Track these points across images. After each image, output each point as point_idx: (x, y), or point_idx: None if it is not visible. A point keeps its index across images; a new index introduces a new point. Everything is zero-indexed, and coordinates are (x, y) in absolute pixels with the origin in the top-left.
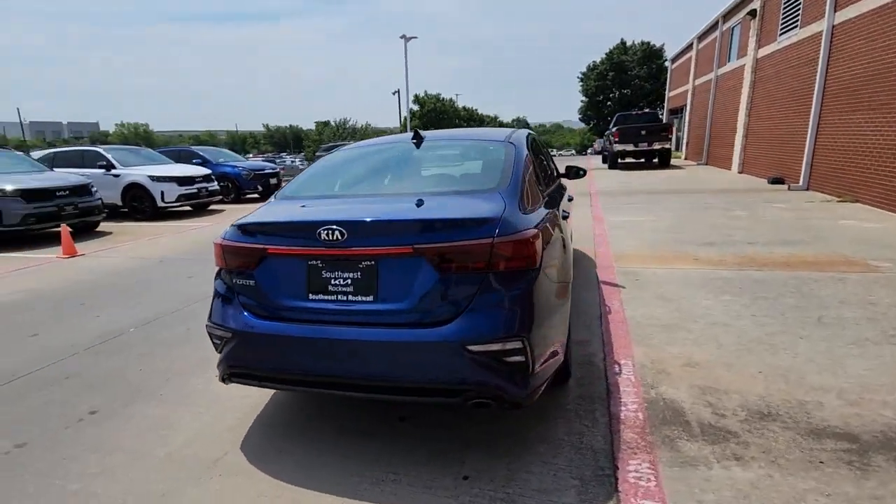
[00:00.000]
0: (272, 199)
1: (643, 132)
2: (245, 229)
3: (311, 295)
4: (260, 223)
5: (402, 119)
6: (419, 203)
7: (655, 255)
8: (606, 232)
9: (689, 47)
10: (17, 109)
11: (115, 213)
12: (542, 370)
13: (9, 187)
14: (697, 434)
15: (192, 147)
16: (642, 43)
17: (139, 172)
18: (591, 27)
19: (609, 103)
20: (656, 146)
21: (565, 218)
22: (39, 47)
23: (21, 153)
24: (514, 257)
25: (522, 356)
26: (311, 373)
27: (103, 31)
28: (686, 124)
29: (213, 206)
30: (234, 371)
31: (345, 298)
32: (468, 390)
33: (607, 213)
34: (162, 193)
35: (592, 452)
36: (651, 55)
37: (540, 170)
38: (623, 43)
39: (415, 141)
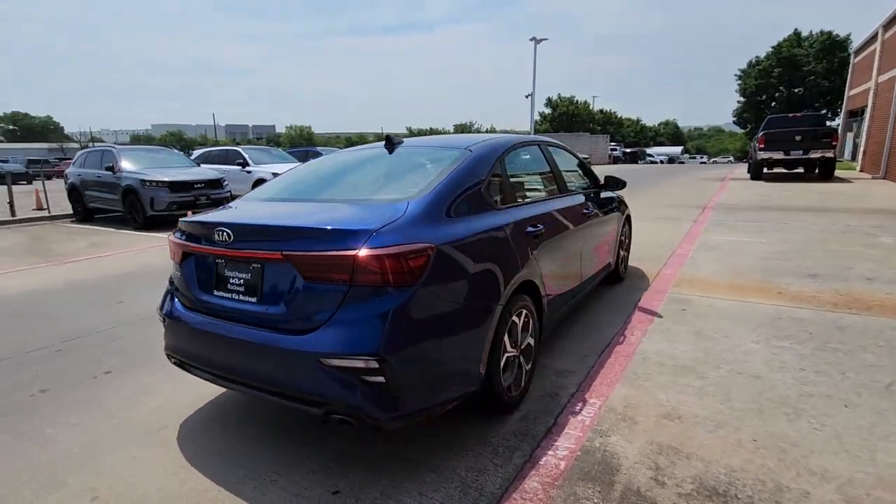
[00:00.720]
0: (238, 199)
1: (798, 138)
2: (179, 227)
3: (215, 291)
4: (186, 222)
5: (534, 121)
6: (317, 210)
7: (731, 284)
8: (689, 252)
9: (873, 38)
10: (213, 115)
11: None
12: (420, 396)
13: (161, 179)
14: (613, 500)
15: (317, 148)
16: (821, 33)
17: (265, 170)
18: (758, 18)
19: (774, 104)
20: (814, 155)
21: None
22: (231, 60)
23: (178, 151)
24: (382, 272)
25: (383, 377)
26: (212, 365)
27: (293, 44)
28: (865, 129)
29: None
30: (167, 354)
31: (238, 297)
32: (328, 404)
33: (710, 231)
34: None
35: (478, 495)
36: (832, 47)
37: (519, 181)
38: (797, 34)
39: (387, 147)
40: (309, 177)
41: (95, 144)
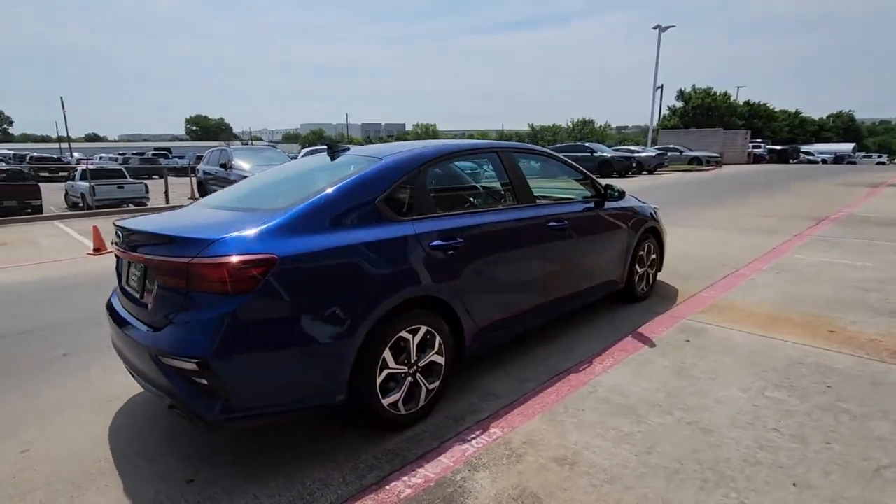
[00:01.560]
0: (193, 203)
1: None
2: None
3: (125, 287)
4: (114, 222)
5: (660, 117)
6: (207, 218)
7: (772, 315)
8: (754, 273)
9: None
10: (346, 115)
11: None
12: (252, 401)
13: None
14: None
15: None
16: None
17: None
18: None
19: None
20: None
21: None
22: (371, 62)
23: (279, 150)
24: (210, 280)
25: (205, 379)
26: (119, 352)
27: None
28: None
29: None
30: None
31: (133, 293)
32: (169, 398)
33: (804, 249)
34: None
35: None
36: None
37: (445, 192)
38: None
39: (329, 155)
40: (254, 184)
41: (252, 142)
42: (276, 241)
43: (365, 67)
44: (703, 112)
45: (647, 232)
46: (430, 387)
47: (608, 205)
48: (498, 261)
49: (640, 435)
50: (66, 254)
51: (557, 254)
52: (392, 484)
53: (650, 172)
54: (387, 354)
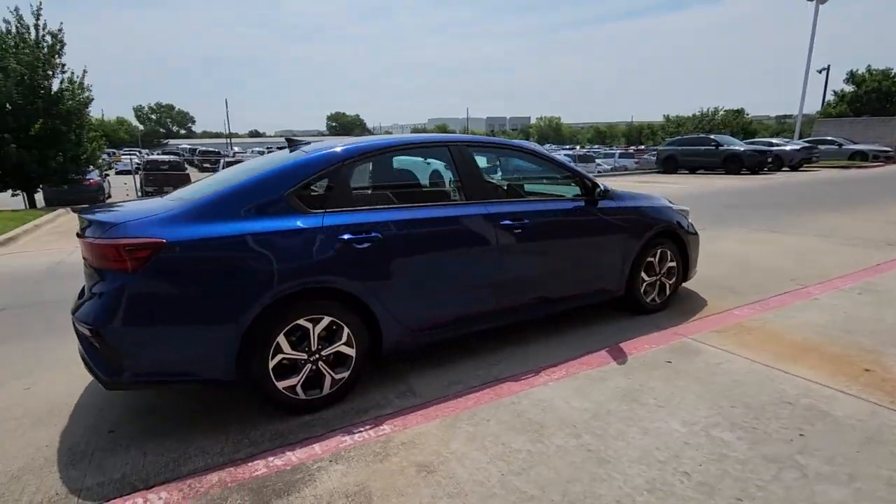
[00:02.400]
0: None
1: None
2: None
3: None
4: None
5: (824, 103)
6: (146, 206)
7: (809, 344)
8: (824, 292)
9: None
10: (467, 109)
11: None
12: (141, 368)
13: None
14: None
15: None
16: None
17: None
18: None
19: None
20: None
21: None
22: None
23: None
24: (105, 258)
25: (99, 344)
26: None
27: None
28: None
29: None
30: None
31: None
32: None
33: None
34: None
35: (162, 467)
36: None
37: (370, 186)
38: None
39: (290, 149)
40: (216, 176)
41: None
42: (170, 228)
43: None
44: (879, 97)
45: (661, 237)
46: (338, 376)
47: (604, 205)
48: (429, 259)
49: (526, 454)
50: None
51: (514, 256)
52: (255, 462)
53: (793, 169)
54: (281, 340)
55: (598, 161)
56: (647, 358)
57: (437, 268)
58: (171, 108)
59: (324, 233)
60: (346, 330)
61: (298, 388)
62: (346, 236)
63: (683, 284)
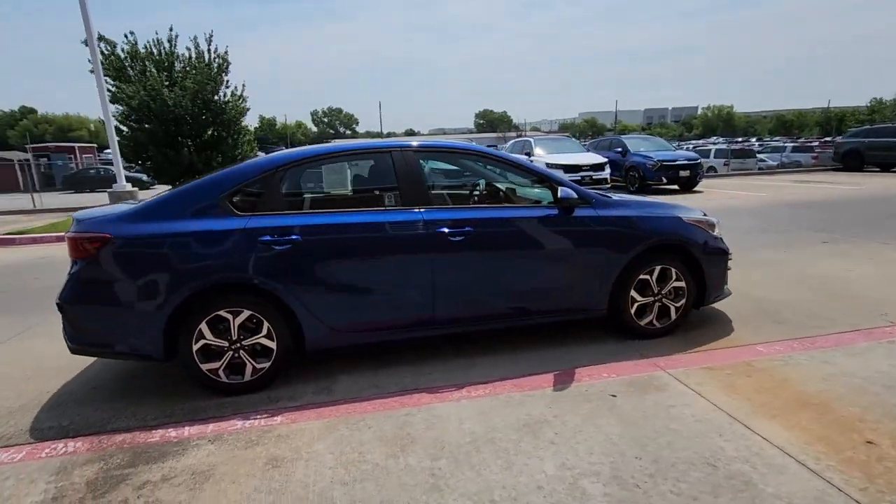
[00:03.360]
0: None
1: None
2: None
3: None
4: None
5: None
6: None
7: (817, 400)
8: None
9: None
10: (615, 101)
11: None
12: (93, 340)
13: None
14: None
15: (621, 137)
16: None
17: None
18: None
19: None
20: None
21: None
22: (661, 43)
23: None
24: (70, 248)
25: (63, 316)
26: None
27: (728, 16)
28: None
29: None
30: None
31: None
32: None
33: None
34: None
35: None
36: None
37: (301, 192)
38: None
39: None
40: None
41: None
42: (118, 225)
43: (655, 51)
44: None
45: (661, 252)
46: (259, 366)
47: (581, 213)
48: (352, 263)
49: (371, 467)
50: None
51: (453, 265)
52: (158, 430)
53: None
54: (203, 327)
55: (761, 156)
56: (592, 388)
57: (361, 272)
58: (340, 111)
59: (244, 234)
60: (266, 324)
61: (221, 372)
62: (265, 238)
63: (716, 306)
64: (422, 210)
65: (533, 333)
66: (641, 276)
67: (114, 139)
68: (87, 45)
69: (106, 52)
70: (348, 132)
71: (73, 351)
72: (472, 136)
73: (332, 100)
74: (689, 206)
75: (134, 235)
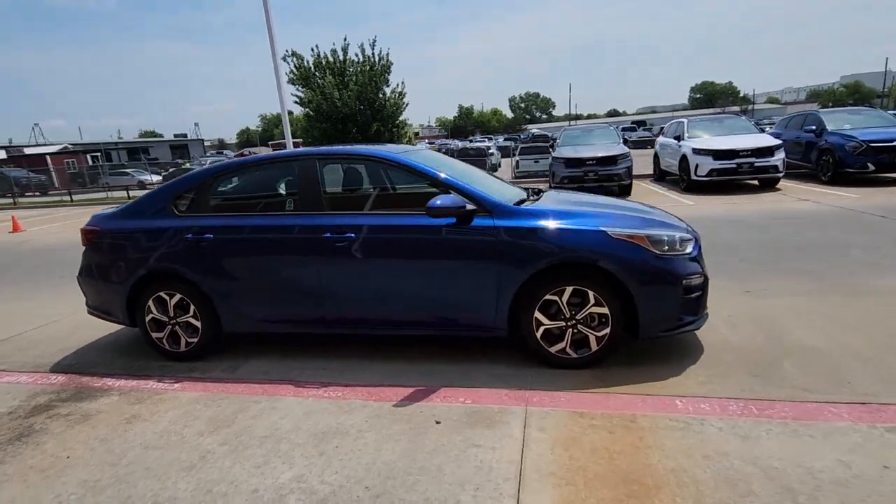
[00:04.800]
0: None
1: None
2: None
3: None
4: None
5: None
6: None
7: (651, 478)
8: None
9: None
10: (885, 60)
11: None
12: (96, 306)
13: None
14: None
15: (819, 112)
16: None
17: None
18: None
19: None
20: None
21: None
22: None
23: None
24: (82, 238)
25: (79, 286)
26: None
27: None
28: None
29: (781, 184)
30: None
31: None
32: None
33: None
34: (696, 167)
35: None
36: None
37: (227, 196)
38: None
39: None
40: None
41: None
42: (106, 221)
43: None
44: None
45: (576, 271)
46: (189, 339)
47: (478, 222)
48: (251, 260)
49: (175, 440)
50: None
51: (337, 269)
52: (109, 379)
53: None
54: (150, 304)
55: None
56: (429, 411)
57: (262, 268)
58: (537, 95)
59: (175, 232)
60: (192, 307)
61: (164, 341)
62: (189, 236)
63: (707, 339)
64: (312, 215)
65: (442, 346)
66: (548, 297)
67: (289, 136)
68: (285, 60)
69: (297, 65)
70: (544, 116)
71: (89, 313)
72: (684, 113)
73: (529, 85)
74: (660, 214)
75: (112, 229)
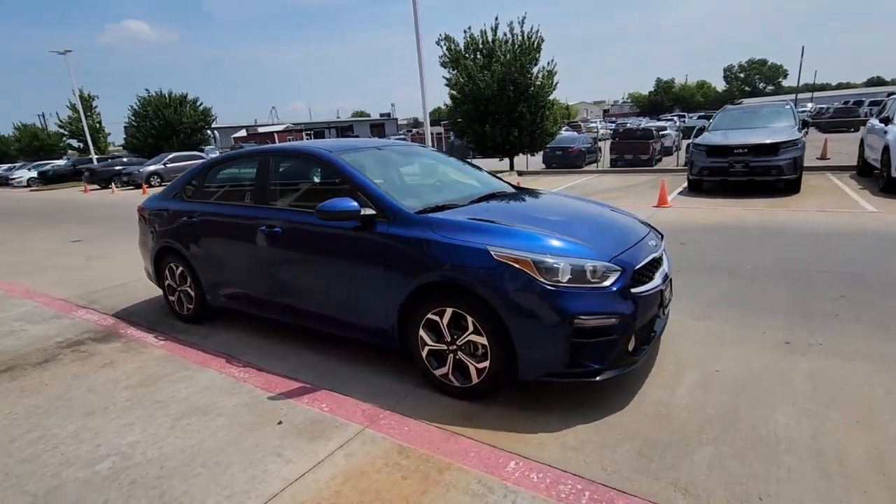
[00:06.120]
0: None
1: None
2: None
3: None
4: None
5: None
6: None
7: None
8: None
9: None
10: None
11: None
12: (147, 264)
13: (715, 142)
14: None
15: None
16: None
17: None
18: None
19: None
20: None
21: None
22: None
23: (788, 106)
24: (138, 214)
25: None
26: None
27: None
28: None
29: None
30: None
31: None
32: None
33: None
34: None
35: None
36: None
37: (217, 186)
38: None
39: None
40: None
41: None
42: (149, 200)
43: None
44: None
45: (457, 292)
46: (188, 306)
47: (379, 228)
48: (215, 243)
49: (107, 388)
50: None
51: (272, 260)
52: (126, 326)
53: None
54: (167, 272)
55: None
56: (280, 405)
57: (222, 252)
58: (763, 62)
59: (176, 214)
60: (189, 278)
61: (175, 304)
62: (184, 219)
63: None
64: (257, 207)
65: (370, 350)
66: (430, 316)
67: (427, 121)
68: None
69: (448, 48)
70: (769, 88)
71: (148, 276)
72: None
73: (752, 52)
74: (633, 236)
75: (148, 207)
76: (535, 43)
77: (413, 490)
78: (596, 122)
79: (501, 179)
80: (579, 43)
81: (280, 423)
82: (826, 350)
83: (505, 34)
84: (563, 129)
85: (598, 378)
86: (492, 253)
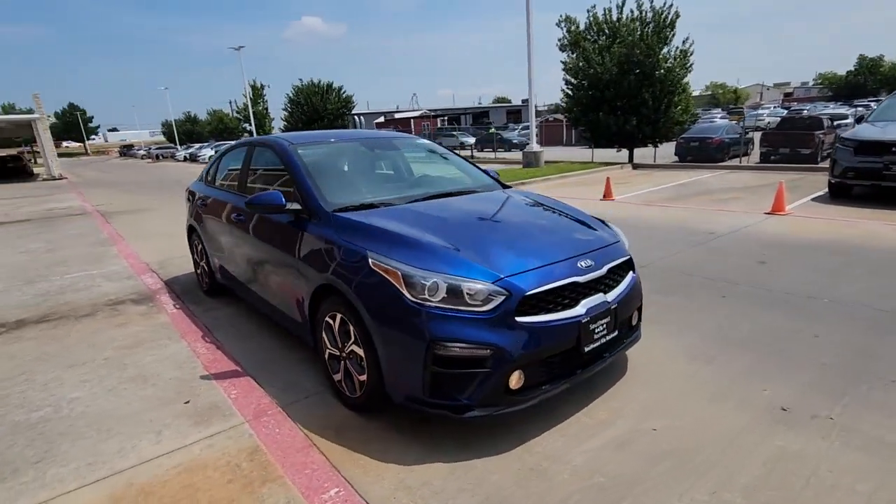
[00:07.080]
0: None
1: None
2: None
3: None
4: None
5: None
6: None
7: None
8: None
9: None
10: None
11: None
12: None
13: (863, 137)
14: None
15: None
16: None
17: None
18: None
19: None
20: None
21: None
22: None
23: None
24: (187, 195)
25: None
26: None
27: None
28: None
29: None
30: None
31: None
32: None
33: None
34: None
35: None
36: None
37: (222, 172)
38: None
39: None
40: None
41: None
42: (195, 185)
43: None
44: None
45: (339, 296)
46: (206, 280)
47: (306, 224)
48: (214, 225)
49: (101, 343)
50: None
51: (244, 246)
52: (166, 295)
53: None
54: (194, 248)
55: None
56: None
57: (217, 234)
58: None
59: (197, 197)
60: (206, 256)
61: (199, 277)
62: (199, 201)
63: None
64: (235, 194)
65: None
66: (327, 319)
67: (532, 109)
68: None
69: (568, 29)
70: None
71: None
72: None
73: None
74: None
75: (192, 190)
76: (669, 19)
77: (224, 496)
78: (766, 107)
79: (490, 175)
80: (754, 14)
81: (187, 402)
82: (832, 427)
83: (632, 11)
84: (719, 115)
85: (466, 415)
86: (370, 260)
